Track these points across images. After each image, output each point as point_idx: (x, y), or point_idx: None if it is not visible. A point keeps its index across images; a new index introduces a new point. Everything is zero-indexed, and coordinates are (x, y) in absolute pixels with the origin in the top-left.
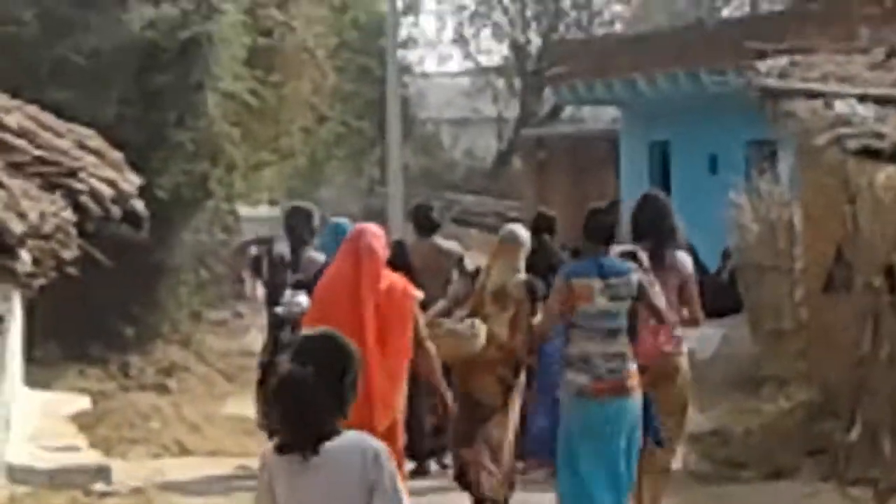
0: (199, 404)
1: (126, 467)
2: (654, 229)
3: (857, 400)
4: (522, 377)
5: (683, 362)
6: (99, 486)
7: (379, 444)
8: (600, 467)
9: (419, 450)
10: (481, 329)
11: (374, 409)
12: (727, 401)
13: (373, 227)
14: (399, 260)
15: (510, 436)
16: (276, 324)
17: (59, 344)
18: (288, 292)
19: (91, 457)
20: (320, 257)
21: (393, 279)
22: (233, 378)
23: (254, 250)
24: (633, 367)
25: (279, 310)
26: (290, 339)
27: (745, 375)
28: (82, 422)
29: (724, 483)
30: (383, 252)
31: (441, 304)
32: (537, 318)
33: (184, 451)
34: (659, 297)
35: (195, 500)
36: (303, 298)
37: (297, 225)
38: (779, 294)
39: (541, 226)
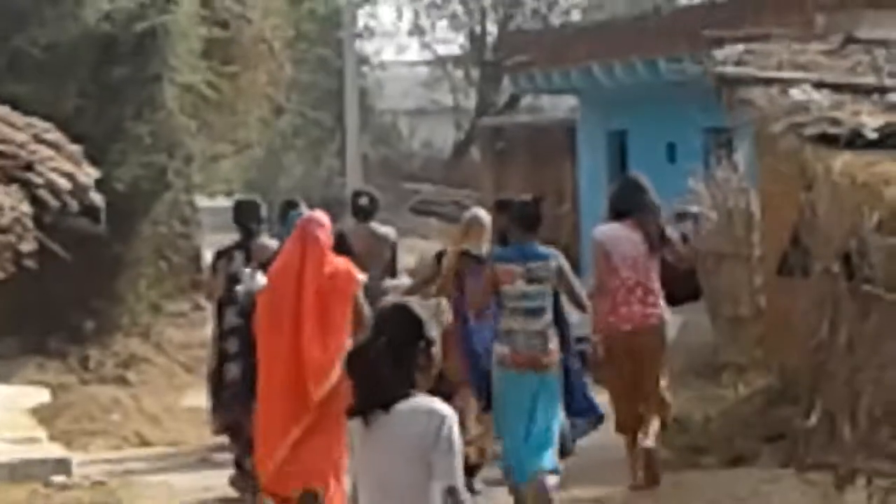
0: (159, 396)
1: (86, 460)
2: (636, 205)
3: (816, 386)
4: None
5: (668, 330)
6: (59, 479)
7: (446, 409)
8: (522, 431)
9: None
10: (446, 309)
11: (308, 381)
12: (686, 388)
13: (318, 217)
14: (341, 247)
15: (473, 406)
16: (221, 335)
17: (17, 337)
18: (247, 271)
19: (51, 449)
20: (272, 243)
21: (338, 264)
22: (193, 369)
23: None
24: (552, 346)
25: (239, 288)
26: (237, 324)
27: (705, 362)
28: (42, 415)
29: (683, 470)
30: (327, 239)
31: (409, 284)
32: None
33: (144, 442)
34: (578, 285)
35: (156, 492)
36: (261, 277)
37: (245, 219)
38: (737, 281)
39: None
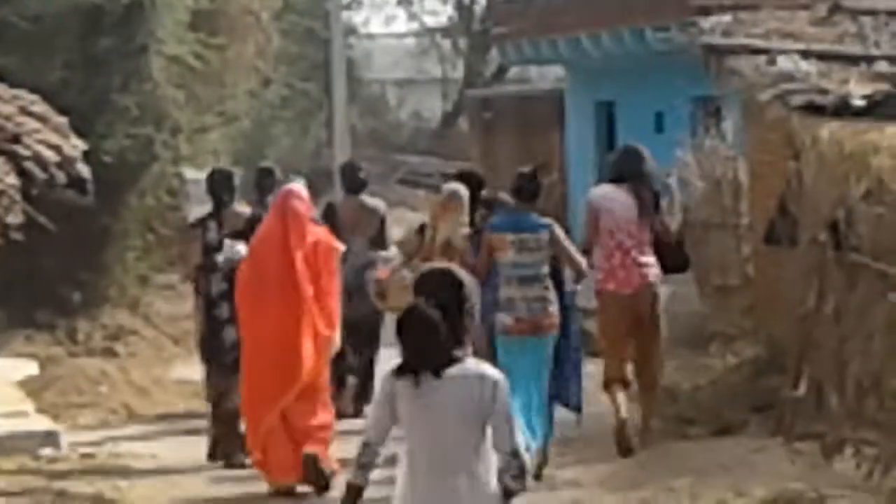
0: (147, 368)
1: (75, 432)
2: (632, 172)
3: (803, 355)
4: None
5: (662, 290)
6: (48, 452)
7: (498, 374)
8: (528, 398)
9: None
10: None
11: (303, 350)
12: (675, 358)
13: (296, 189)
14: (329, 218)
15: None
16: (209, 305)
17: (5, 310)
18: (227, 241)
19: (39, 422)
20: (243, 210)
21: (318, 233)
22: (181, 341)
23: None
24: (552, 309)
25: (220, 258)
26: (223, 290)
27: (693, 332)
28: (30, 387)
29: (672, 440)
30: (306, 210)
31: (398, 258)
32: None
33: (132, 415)
34: (573, 249)
35: (144, 464)
36: (241, 247)
37: (217, 188)
38: (725, 251)
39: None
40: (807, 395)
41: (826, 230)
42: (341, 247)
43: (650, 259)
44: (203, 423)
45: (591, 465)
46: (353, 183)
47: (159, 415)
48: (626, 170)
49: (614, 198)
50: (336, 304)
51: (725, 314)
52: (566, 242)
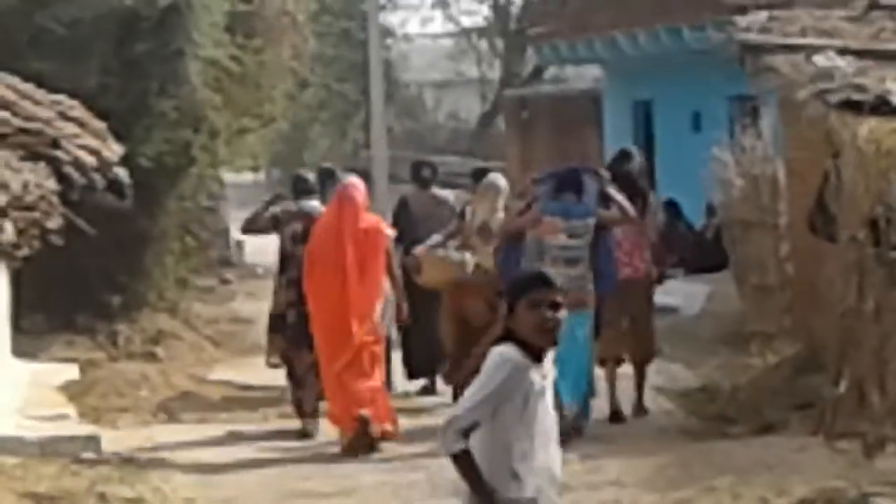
0: (187, 371)
1: (115, 436)
2: (620, 171)
3: (844, 354)
4: None
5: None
6: (89, 455)
7: None
8: (562, 367)
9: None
10: (469, 258)
11: (352, 323)
12: (715, 357)
13: (354, 180)
14: (401, 211)
15: None
16: (286, 284)
17: (45, 314)
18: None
19: (80, 426)
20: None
21: (369, 220)
22: (220, 344)
23: (274, 209)
24: (590, 287)
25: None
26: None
27: (732, 331)
28: (71, 391)
29: (712, 439)
30: (361, 199)
31: (436, 238)
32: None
33: (173, 418)
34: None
35: (186, 467)
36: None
37: (298, 187)
38: (764, 249)
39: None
40: (847, 393)
41: (865, 228)
42: (391, 233)
43: (641, 253)
44: (244, 428)
45: (632, 464)
46: (423, 178)
47: (200, 418)
48: (614, 169)
49: None
50: (377, 287)
51: (765, 313)
52: (612, 210)
